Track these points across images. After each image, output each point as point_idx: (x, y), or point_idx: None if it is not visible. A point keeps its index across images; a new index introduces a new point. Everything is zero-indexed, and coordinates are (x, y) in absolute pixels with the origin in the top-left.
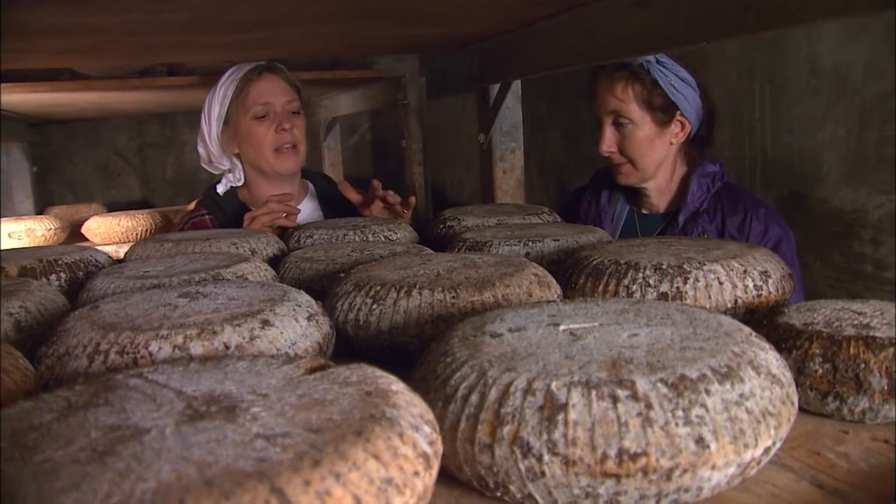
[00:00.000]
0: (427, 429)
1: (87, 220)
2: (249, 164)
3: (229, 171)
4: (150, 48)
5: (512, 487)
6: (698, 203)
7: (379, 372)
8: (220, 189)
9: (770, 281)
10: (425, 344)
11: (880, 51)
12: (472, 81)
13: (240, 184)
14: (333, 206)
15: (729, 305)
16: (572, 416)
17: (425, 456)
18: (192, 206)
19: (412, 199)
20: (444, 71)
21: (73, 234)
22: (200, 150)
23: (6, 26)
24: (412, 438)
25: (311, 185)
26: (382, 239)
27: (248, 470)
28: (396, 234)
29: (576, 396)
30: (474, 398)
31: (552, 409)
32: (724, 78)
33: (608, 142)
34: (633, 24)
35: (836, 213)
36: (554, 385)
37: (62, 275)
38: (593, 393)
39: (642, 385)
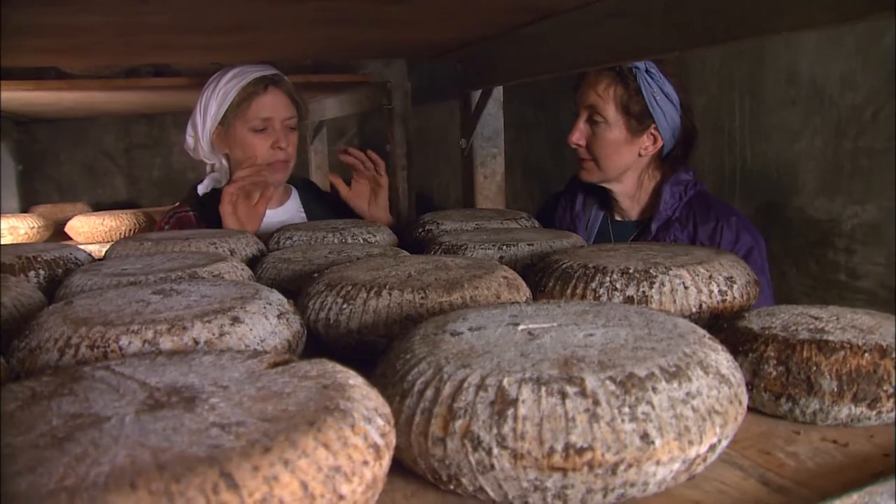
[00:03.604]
0: (380, 421)
1: (71, 219)
2: (237, 167)
3: (213, 167)
4: (135, 49)
5: (464, 480)
6: (671, 211)
7: (339, 367)
8: (201, 190)
9: (735, 286)
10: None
11: (855, 63)
12: (455, 87)
13: (221, 185)
14: (316, 211)
15: (694, 310)
16: (522, 411)
17: (376, 447)
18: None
19: (371, 154)
20: (432, 77)
21: (57, 233)
22: (189, 137)
23: None
24: (363, 430)
25: (294, 189)
26: (361, 241)
27: (201, 455)
28: (375, 236)
29: (526, 392)
30: (429, 393)
31: (503, 404)
32: (705, 87)
33: (578, 134)
34: (610, 32)
35: (812, 222)
36: (506, 381)
37: (41, 272)
38: (543, 389)
39: (591, 382)
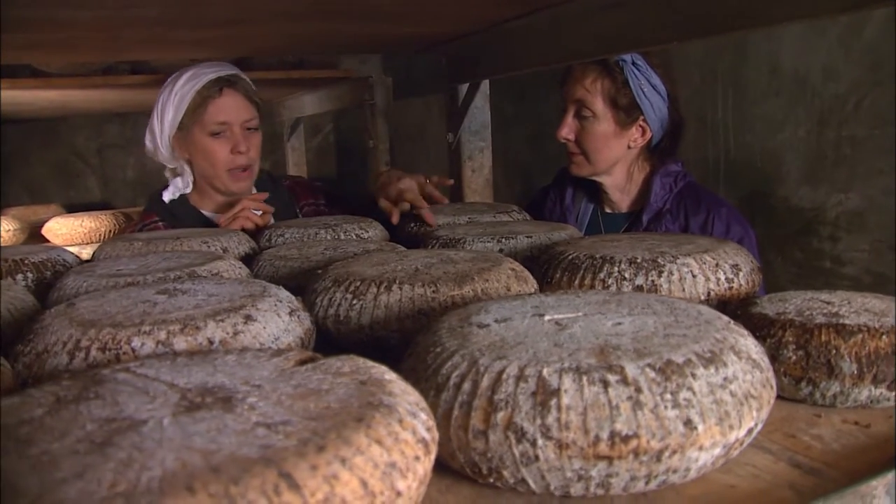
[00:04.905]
0: (423, 415)
1: (46, 221)
2: (200, 174)
3: (176, 172)
4: (117, 44)
5: (505, 473)
6: (661, 203)
7: (370, 362)
8: (167, 197)
9: (741, 274)
10: (406, 338)
11: (837, 54)
12: (441, 81)
13: (188, 190)
14: (277, 202)
15: (702, 297)
16: (565, 400)
17: (424, 441)
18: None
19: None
20: (408, 72)
21: (33, 235)
22: (148, 142)
23: None
24: (411, 424)
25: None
26: (354, 237)
27: (254, 456)
28: (368, 232)
29: (567, 382)
30: (467, 386)
31: (545, 395)
32: (688, 79)
33: (566, 129)
34: (604, 24)
35: (797, 211)
36: (545, 371)
37: (29, 274)
38: (584, 378)
39: (631, 370)
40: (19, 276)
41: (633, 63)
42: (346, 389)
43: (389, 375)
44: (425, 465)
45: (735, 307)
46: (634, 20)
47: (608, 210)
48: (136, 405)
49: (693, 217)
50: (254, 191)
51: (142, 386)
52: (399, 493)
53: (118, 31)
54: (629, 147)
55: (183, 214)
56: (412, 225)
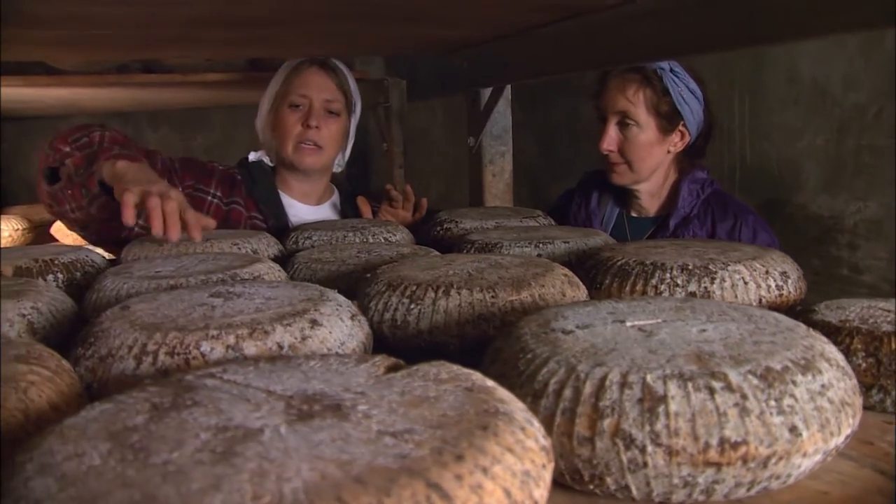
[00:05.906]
0: (536, 423)
1: (53, 220)
2: (277, 154)
3: (270, 150)
4: (141, 43)
5: (608, 479)
6: (689, 208)
7: (464, 369)
8: (251, 158)
9: (789, 281)
10: (465, 344)
11: (858, 64)
12: (457, 84)
13: (272, 165)
14: (352, 215)
15: (753, 304)
16: (672, 407)
17: (545, 449)
18: None
19: (423, 202)
20: (412, 75)
21: (41, 234)
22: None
23: None
24: (532, 432)
25: (336, 192)
26: (382, 240)
27: (394, 466)
28: (395, 235)
29: (673, 388)
30: (568, 392)
31: (652, 401)
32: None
33: (610, 140)
34: (640, 31)
35: (815, 218)
36: (649, 378)
37: (59, 275)
38: (689, 385)
39: (734, 377)
40: (50, 277)
41: (672, 70)
42: (455, 397)
43: (490, 382)
44: (550, 473)
45: (788, 315)
46: (679, 29)
47: (634, 214)
48: (242, 413)
49: (720, 223)
50: (334, 195)
51: (238, 393)
52: (536, 502)
53: (146, 30)
54: (669, 151)
55: (260, 178)
56: (437, 229)
